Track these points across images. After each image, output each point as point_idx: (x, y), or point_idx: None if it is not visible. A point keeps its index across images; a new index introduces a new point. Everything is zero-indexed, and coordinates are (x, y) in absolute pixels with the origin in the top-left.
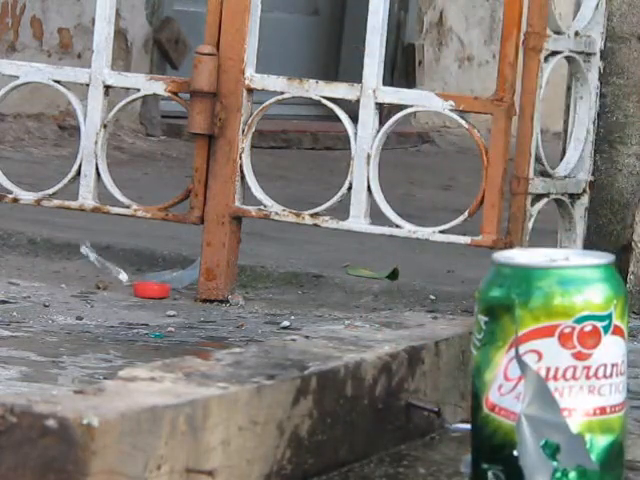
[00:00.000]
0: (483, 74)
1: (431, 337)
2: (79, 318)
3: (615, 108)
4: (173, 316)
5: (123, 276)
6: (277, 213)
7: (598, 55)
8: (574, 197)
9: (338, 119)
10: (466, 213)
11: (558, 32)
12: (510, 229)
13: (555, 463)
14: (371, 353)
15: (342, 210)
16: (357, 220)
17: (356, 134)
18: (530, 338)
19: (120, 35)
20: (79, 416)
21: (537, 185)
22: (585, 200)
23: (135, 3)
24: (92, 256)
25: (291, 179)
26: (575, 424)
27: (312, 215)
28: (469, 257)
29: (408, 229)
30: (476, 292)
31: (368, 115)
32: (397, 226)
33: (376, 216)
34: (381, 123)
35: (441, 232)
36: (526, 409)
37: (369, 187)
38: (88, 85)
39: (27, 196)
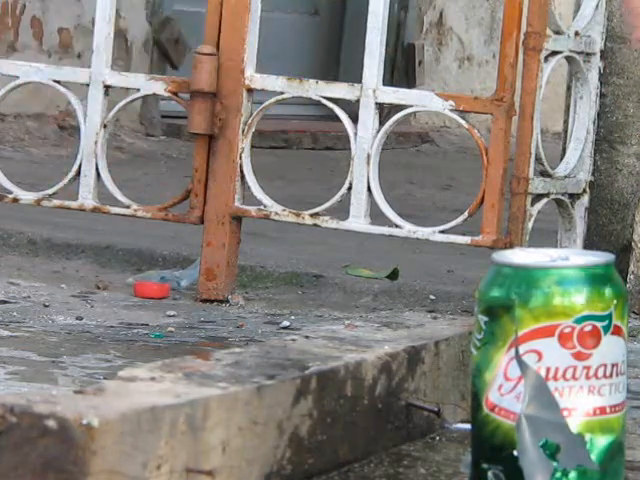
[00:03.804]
0: (483, 74)
1: (431, 337)
2: (79, 318)
3: (615, 108)
4: (173, 316)
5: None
6: (277, 213)
7: (598, 55)
8: (574, 197)
9: (338, 119)
10: (466, 213)
11: (558, 32)
12: (510, 229)
13: (555, 463)
14: (371, 353)
15: (342, 210)
16: (357, 220)
17: (356, 134)
18: (530, 338)
19: (120, 35)
20: (79, 416)
21: (537, 185)
22: (585, 200)
23: (135, 3)
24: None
25: (291, 179)
26: (575, 424)
27: (312, 215)
28: (469, 257)
29: (408, 229)
30: (476, 292)
31: (368, 115)
32: (397, 226)
33: (376, 216)
34: (381, 123)
35: (441, 232)
36: (526, 409)
37: (369, 187)
38: (88, 85)
39: (27, 196)
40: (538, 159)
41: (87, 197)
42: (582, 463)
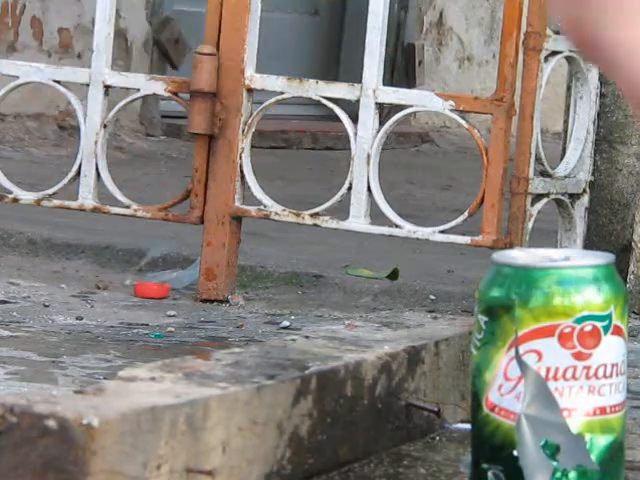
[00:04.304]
0: (483, 74)
1: (431, 337)
2: (79, 318)
3: (615, 108)
4: (173, 316)
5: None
6: (277, 213)
7: None
8: (574, 197)
9: (338, 119)
10: (466, 213)
11: (558, 32)
12: (510, 229)
13: (555, 463)
14: (371, 353)
15: (342, 210)
16: (357, 220)
17: (356, 134)
18: (530, 338)
19: (120, 35)
20: (79, 416)
21: (537, 185)
22: (585, 200)
23: (135, 3)
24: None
25: (291, 179)
26: (575, 424)
27: (312, 215)
28: (469, 257)
29: (408, 229)
30: (476, 292)
31: (368, 115)
32: (397, 226)
33: (376, 216)
34: (381, 123)
35: (441, 232)
36: (526, 409)
37: (369, 187)
38: (88, 85)
39: (27, 196)
40: (538, 159)
41: (87, 197)
42: (582, 463)
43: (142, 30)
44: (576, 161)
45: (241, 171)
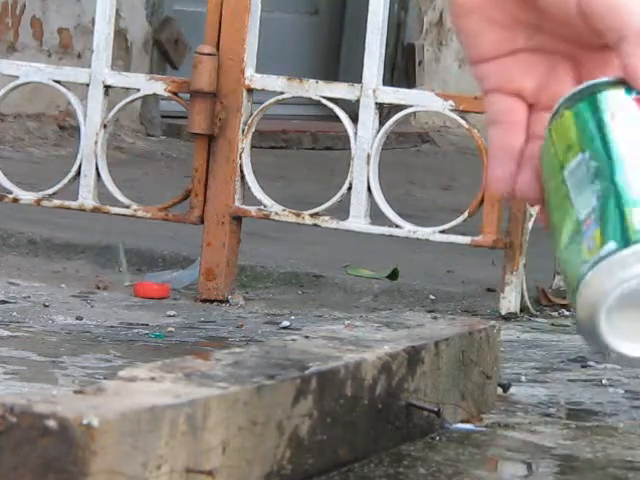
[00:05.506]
0: None
1: (431, 337)
2: (79, 318)
3: None
4: (173, 316)
5: (126, 279)
6: (277, 213)
7: None
8: None
9: (338, 119)
10: (466, 213)
11: None
12: (510, 229)
13: None
14: (371, 353)
15: (342, 210)
16: (357, 220)
17: (356, 134)
18: None
19: (120, 35)
20: (79, 416)
21: None
22: None
23: (135, 3)
24: (122, 255)
25: (291, 179)
26: None
27: (312, 215)
28: (469, 257)
29: (408, 229)
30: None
31: (368, 115)
32: (397, 226)
33: (376, 216)
34: (381, 123)
35: (441, 232)
36: None
37: (369, 187)
38: (88, 85)
39: (27, 196)
40: None
41: (87, 197)
42: None
43: (142, 30)
44: None
45: (241, 171)
